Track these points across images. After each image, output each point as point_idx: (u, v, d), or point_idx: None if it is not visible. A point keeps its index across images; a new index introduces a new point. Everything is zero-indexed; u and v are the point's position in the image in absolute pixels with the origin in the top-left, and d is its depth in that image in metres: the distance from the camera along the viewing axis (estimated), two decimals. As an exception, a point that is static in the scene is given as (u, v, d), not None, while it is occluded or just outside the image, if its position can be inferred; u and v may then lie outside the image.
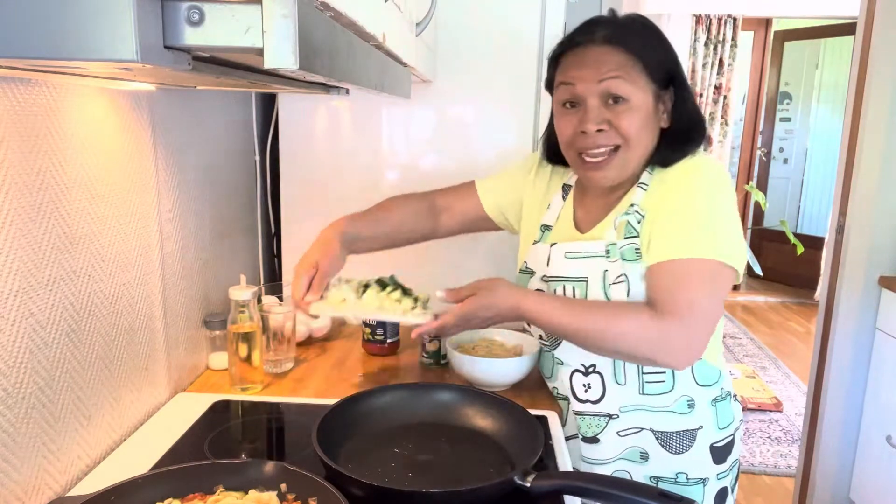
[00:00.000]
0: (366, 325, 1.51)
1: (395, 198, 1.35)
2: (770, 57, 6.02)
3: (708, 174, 1.07)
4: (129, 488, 0.83)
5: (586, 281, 1.10)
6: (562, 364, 1.18)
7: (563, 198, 1.24)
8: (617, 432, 1.14)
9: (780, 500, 2.83)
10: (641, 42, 1.06)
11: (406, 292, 1.17)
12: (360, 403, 1.12)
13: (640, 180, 1.11)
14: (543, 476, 0.91)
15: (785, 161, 6.20)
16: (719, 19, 5.53)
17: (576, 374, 1.16)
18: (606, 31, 1.06)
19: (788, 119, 6.16)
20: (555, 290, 1.14)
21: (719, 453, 1.16)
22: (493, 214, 1.33)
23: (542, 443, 0.98)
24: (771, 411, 3.63)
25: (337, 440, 1.02)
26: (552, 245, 1.16)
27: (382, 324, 1.49)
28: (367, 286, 1.15)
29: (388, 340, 1.51)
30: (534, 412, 1.11)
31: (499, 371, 1.31)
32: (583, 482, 0.91)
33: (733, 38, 5.58)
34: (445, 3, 1.56)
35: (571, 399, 1.18)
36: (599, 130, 1.05)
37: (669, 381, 1.12)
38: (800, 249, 5.08)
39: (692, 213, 1.04)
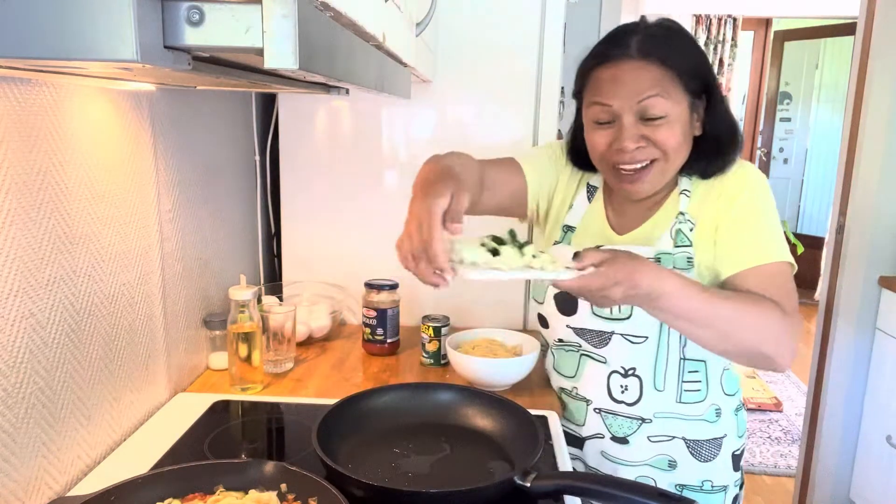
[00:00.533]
0: (366, 324, 1.51)
1: (460, 153, 1.11)
2: (770, 57, 6.02)
3: (762, 181, 1.09)
4: (129, 488, 0.83)
5: None
6: (605, 362, 1.15)
7: (589, 199, 1.21)
8: (648, 437, 1.14)
9: (780, 500, 2.83)
10: (677, 52, 1.03)
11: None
12: (360, 403, 1.12)
13: (682, 187, 1.11)
14: (543, 476, 0.91)
15: (785, 161, 6.20)
16: (719, 19, 5.53)
17: (614, 374, 1.14)
18: (640, 42, 1.03)
19: (788, 119, 6.16)
20: None
21: (737, 461, 1.18)
22: (531, 201, 1.23)
23: (542, 443, 0.98)
24: (771, 411, 3.63)
25: (337, 440, 1.02)
26: (598, 247, 1.10)
27: (383, 323, 1.49)
28: (490, 248, 0.92)
29: (388, 340, 1.51)
30: (534, 412, 1.10)
31: (499, 371, 1.31)
32: (583, 482, 0.91)
33: (733, 38, 5.58)
34: (445, 3, 1.56)
35: (599, 399, 1.17)
36: (637, 148, 1.03)
37: (704, 389, 1.13)
38: (800, 249, 5.08)
39: (764, 219, 1.06)
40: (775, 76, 6.08)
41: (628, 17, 1.67)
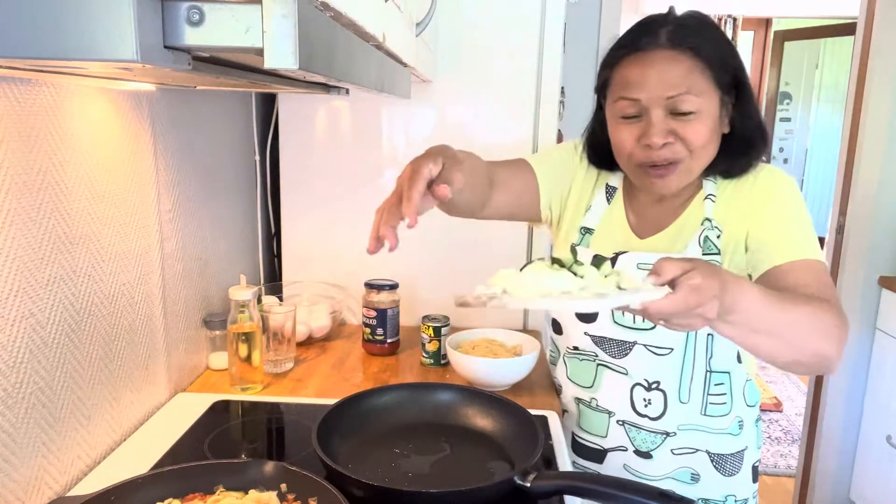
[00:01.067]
0: (366, 324, 1.51)
1: (468, 152, 1.05)
2: (770, 57, 6.02)
3: (793, 184, 1.06)
4: (129, 488, 0.83)
5: None
6: (626, 374, 1.11)
7: (608, 200, 1.16)
8: (671, 450, 1.12)
9: (780, 500, 2.83)
10: (709, 43, 0.99)
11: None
12: (360, 403, 1.12)
13: (707, 191, 1.07)
14: (543, 476, 0.91)
15: (785, 161, 6.20)
16: (719, 19, 5.53)
17: (637, 387, 1.11)
18: (671, 32, 0.99)
19: (788, 119, 6.16)
20: None
21: (755, 472, 1.17)
22: (542, 200, 1.18)
23: (542, 443, 0.98)
24: (771, 411, 3.63)
25: (337, 440, 1.02)
26: (621, 253, 1.08)
27: (383, 323, 1.49)
28: (566, 268, 0.80)
29: (388, 340, 1.51)
30: (534, 412, 1.10)
31: (499, 371, 1.31)
32: (583, 482, 0.91)
33: (733, 38, 5.58)
34: (445, 3, 1.56)
35: (621, 411, 1.13)
36: (665, 144, 0.99)
37: (729, 402, 1.10)
38: (800, 249, 5.08)
39: (801, 218, 1.03)
40: (775, 76, 6.08)
41: (628, 17, 1.66)
